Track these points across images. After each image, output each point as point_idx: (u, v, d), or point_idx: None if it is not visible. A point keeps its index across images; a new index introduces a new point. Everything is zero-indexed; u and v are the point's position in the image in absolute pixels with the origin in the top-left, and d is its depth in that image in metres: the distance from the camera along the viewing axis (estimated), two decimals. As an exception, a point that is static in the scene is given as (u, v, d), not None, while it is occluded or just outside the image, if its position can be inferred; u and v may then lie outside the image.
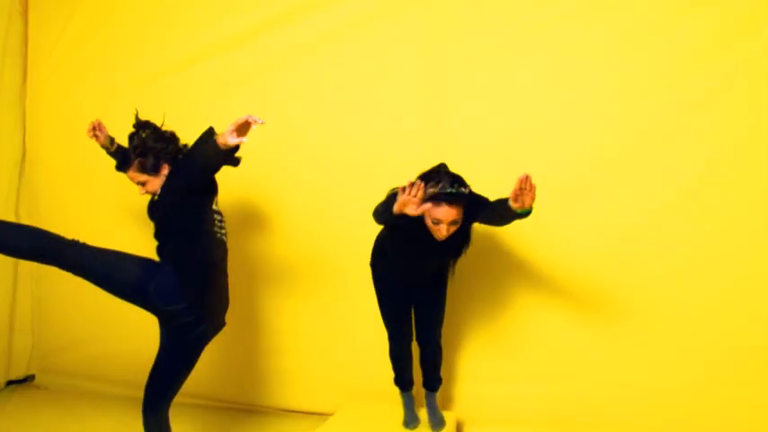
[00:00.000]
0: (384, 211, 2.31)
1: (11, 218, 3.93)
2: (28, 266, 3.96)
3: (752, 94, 2.86)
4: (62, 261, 2.19)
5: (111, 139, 2.60)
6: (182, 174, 2.26)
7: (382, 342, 3.00)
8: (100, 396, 3.83)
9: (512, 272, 3.21)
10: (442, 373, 3.04)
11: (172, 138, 2.39)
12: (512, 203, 2.11)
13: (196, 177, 2.24)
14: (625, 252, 3.04)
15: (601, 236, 3.08)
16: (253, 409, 3.61)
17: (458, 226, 2.31)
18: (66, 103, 3.92)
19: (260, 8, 3.52)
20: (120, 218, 3.79)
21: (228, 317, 3.52)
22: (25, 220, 3.98)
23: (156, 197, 2.40)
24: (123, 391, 3.76)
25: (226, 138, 2.05)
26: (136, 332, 3.72)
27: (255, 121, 2.03)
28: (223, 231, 2.43)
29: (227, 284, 2.48)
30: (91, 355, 3.97)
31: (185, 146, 2.43)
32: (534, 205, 2.13)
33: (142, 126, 2.38)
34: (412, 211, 2.12)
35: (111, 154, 2.62)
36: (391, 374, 3.02)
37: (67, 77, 3.94)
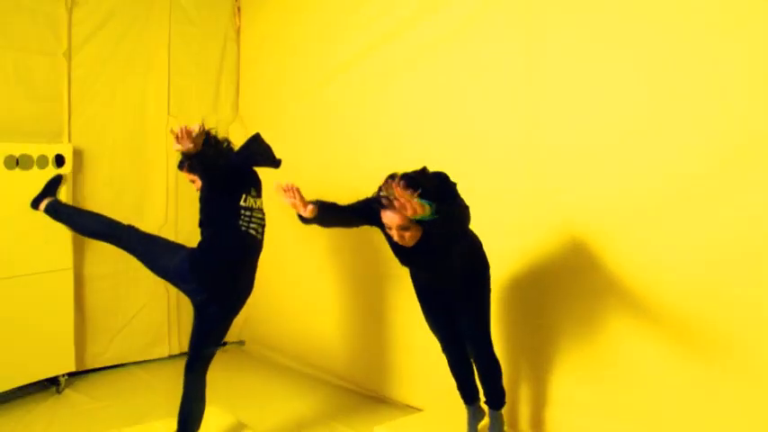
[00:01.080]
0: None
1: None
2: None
3: None
4: (121, 242, 2.75)
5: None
6: (202, 176, 2.63)
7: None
8: (291, 372, 4.32)
9: (612, 292, 2.78)
10: (532, 393, 2.79)
11: (215, 144, 2.74)
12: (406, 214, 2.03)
13: (207, 178, 2.57)
14: (739, 277, 2.40)
15: (713, 257, 2.47)
16: (372, 395, 3.83)
17: (412, 231, 2.15)
18: (268, 114, 4.58)
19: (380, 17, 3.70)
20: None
21: (364, 309, 3.89)
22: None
23: None
24: (312, 372, 4.24)
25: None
26: (326, 316, 4.19)
27: (193, 131, 2.27)
28: (252, 225, 2.69)
29: (248, 274, 2.76)
30: (290, 332, 4.50)
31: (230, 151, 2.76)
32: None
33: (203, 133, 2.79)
34: (303, 212, 2.10)
35: None
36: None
37: (269, 93, 4.61)
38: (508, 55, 3.09)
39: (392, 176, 2.24)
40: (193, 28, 4.55)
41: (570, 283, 2.90)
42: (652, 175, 2.62)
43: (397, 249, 2.47)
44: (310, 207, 2.26)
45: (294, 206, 2.26)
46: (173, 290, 4.40)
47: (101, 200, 3.94)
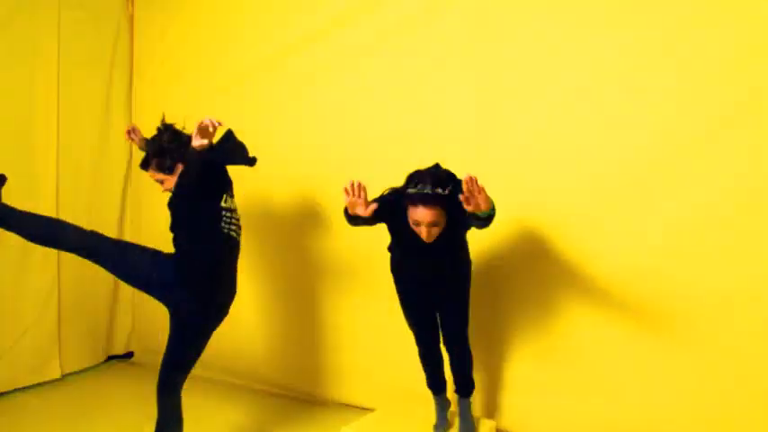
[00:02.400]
0: (344, 213, 2.29)
1: (117, 225, 4.41)
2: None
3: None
4: (83, 251, 2.43)
5: (147, 141, 2.82)
6: (183, 174, 2.41)
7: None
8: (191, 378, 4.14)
9: (564, 279, 3.02)
10: (487, 379, 2.92)
11: (188, 140, 2.54)
12: (465, 206, 1.99)
13: (191, 177, 2.37)
14: (688, 263, 2.73)
15: (660, 244, 2.79)
16: (307, 399, 3.74)
17: (440, 227, 2.22)
18: (168, 107, 4.25)
19: (315, 13, 3.64)
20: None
21: (293, 310, 3.72)
22: (128, 227, 4.46)
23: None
24: (213, 375, 4.02)
25: (193, 141, 2.16)
26: (244, 318, 3.94)
27: (213, 124, 2.11)
28: (232, 227, 2.54)
29: (231, 278, 2.60)
30: None
31: None
32: (491, 208, 2.06)
33: (164, 129, 2.56)
34: (361, 212, 2.07)
35: None
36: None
37: (167, 85, 4.33)
38: (458, 50, 3.22)
39: (417, 174, 2.26)
40: (84, 13, 4.13)
41: (524, 271, 3.08)
42: (602, 167, 2.87)
43: (408, 245, 2.47)
44: (372, 206, 2.16)
45: (353, 204, 2.14)
46: (66, 302, 3.99)
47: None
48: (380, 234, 3.42)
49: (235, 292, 2.65)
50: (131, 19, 4.44)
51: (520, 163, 3.08)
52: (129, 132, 2.82)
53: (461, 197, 1.99)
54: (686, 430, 2.73)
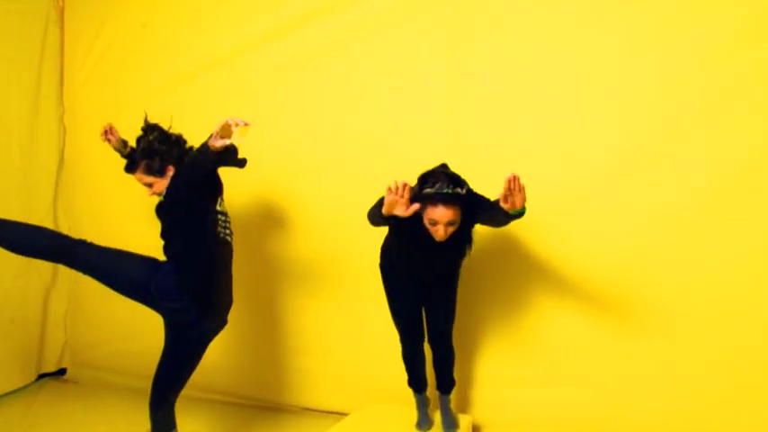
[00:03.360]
0: (375, 213, 2.28)
1: (49, 223, 4.07)
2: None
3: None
4: (71, 260, 2.26)
5: (124, 143, 2.66)
6: (182, 175, 2.31)
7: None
8: (130, 390, 3.89)
9: (531, 274, 3.16)
10: (459, 375, 2.99)
11: (177, 140, 2.44)
12: (502, 204, 2.06)
13: (193, 179, 2.28)
14: (650, 254, 2.95)
15: (622, 239, 2.99)
16: (272, 407, 3.65)
17: (456, 227, 2.27)
18: (102, 107, 4.04)
19: (281, 8, 3.55)
20: (157, 221, 3.88)
21: (252, 315, 3.62)
22: (63, 225, 4.14)
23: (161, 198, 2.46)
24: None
25: (213, 141, 2.08)
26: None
27: (237, 123, 2.05)
28: (227, 231, 2.47)
29: (230, 284, 2.52)
30: (122, 351, 4.08)
31: (191, 148, 2.48)
32: (528, 205, 2.10)
33: (150, 129, 2.44)
34: (401, 211, 2.08)
35: (125, 157, 2.69)
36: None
37: (103, 82, 4.07)
38: (429, 53, 3.27)
39: (432, 175, 2.27)
40: (11, 3, 3.80)
41: (493, 267, 3.18)
42: (569, 164, 3.02)
43: (414, 245, 2.47)
44: (414, 207, 2.12)
45: (394, 203, 2.08)
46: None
47: None
48: (342, 235, 3.46)
49: (232, 299, 2.56)
50: (62, 11, 4.13)
51: (488, 160, 3.15)
52: (105, 132, 2.63)
53: (500, 195, 2.05)
54: (654, 416, 2.94)
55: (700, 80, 2.83)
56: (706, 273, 2.85)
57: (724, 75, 2.78)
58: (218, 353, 3.75)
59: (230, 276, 2.53)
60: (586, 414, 3.06)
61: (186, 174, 2.27)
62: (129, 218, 3.91)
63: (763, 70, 2.72)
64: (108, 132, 2.63)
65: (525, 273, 3.16)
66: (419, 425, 2.95)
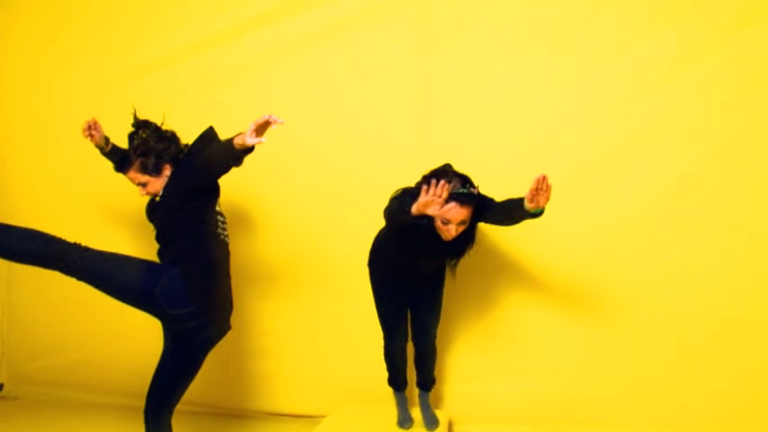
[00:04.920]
0: (400, 212, 2.27)
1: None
2: (-2, 271, 3.83)
3: (738, 94, 2.98)
4: (65, 265, 2.11)
5: (107, 139, 2.51)
6: (188, 174, 2.22)
7: (372, 343, 3.03)
8: (75, 404, 3.71)
9: (501, 271, 3.27)
10: None
11: (173, 138, 2.35)
12: (527, 204, 2.14)
13: (204, 178, 2.20)
14: (614, 250, 3.13)
15: (590, 234, 3.16)
16: (241, 414, 3.56)
17: (466, 226, 2.33)
18: (38, 103, 3.80)
19: (247, 5, 3.47)
20: (96, 218, 3.69)
21: None
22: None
23: (157, 198, 2.35)
24: (101, 399, 3.69)
25: (245, 138, 2.02)
26: (111, 338, 3.72)
27: (276, 121, 2.00)
28: (225, 233, 2.40)
29: (230, 287, 2.45)
30: (66, 362, 3.85)
31: (186, 146, 2.39)
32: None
33: (142, 125, 2.32)
34: (435, 211, 2.10)
35: (106, 154, 2.54)
36: (382, 375, 3.04)
37: (39, 77, 3.81)
38: (399, 53, 3.30)
39: (440, 174, 2.27)
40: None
41: (463, 264, 3.17)
42: (537, 161, 3.10)
43: (416, 244, 2.48)
44: (449, 206, 2.20)
45: (431, 204, 2.07)
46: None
47: None
48: (305, 236, 3.44)
49: (233, 304, 2.48)
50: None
51: (457, 159, 3.09)
52: (88, 128, 2.45)
53: (527, 194, 2.11)
54: (620, 405, 3.14)
55: (664, 85, 3.03)
56: (669, 267, 3.07)
57: (687, 80, 3.01)
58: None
59: (230, 279, 2.45)
60: (558, 407, 3.21)
61: (197, 173, 2.19)
62: (67, 216, 3.64)
63: (724, 76, 2.97)
64: (91, 128, 2.45)
65: (493, 269, 3.27)
66: (401, 423, 2.99)
